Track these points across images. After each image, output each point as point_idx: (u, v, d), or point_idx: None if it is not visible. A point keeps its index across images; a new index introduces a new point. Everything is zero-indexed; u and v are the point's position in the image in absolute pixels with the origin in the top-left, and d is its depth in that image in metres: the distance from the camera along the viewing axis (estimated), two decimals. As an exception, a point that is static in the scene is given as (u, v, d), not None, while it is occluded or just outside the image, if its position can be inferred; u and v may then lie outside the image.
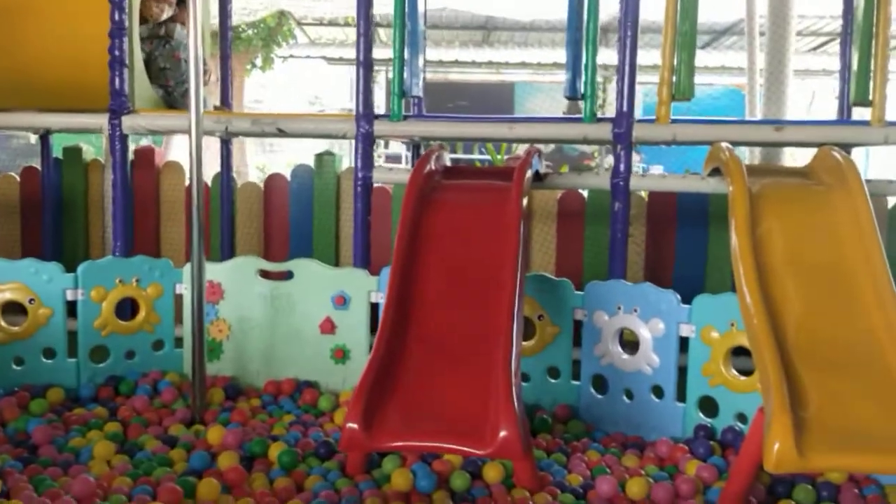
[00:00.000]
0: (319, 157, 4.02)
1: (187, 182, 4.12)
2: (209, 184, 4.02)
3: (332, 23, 11.45)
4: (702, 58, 11.21)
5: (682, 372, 2.52)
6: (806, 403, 1.86)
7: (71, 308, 2.89)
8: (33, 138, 12.84)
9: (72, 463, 2.22)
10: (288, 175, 4.09)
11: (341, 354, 2.93)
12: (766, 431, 1.76)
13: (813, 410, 1.84)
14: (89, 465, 2.19)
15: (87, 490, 1.95)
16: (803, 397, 1.88)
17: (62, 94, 3.58)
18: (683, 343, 2.51)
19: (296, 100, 17.21)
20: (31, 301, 2.84)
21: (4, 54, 3.61)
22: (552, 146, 11.59)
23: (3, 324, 2.83)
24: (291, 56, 12.24)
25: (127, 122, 3.31)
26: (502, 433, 1.87)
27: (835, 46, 11.39)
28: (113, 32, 3.23)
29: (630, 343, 2.64)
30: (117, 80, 3.27)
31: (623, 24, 2.93)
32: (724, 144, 2.64)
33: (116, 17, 3.21)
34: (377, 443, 1.93)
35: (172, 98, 3.88)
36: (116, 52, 3.24)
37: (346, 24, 11.50)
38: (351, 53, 12.17)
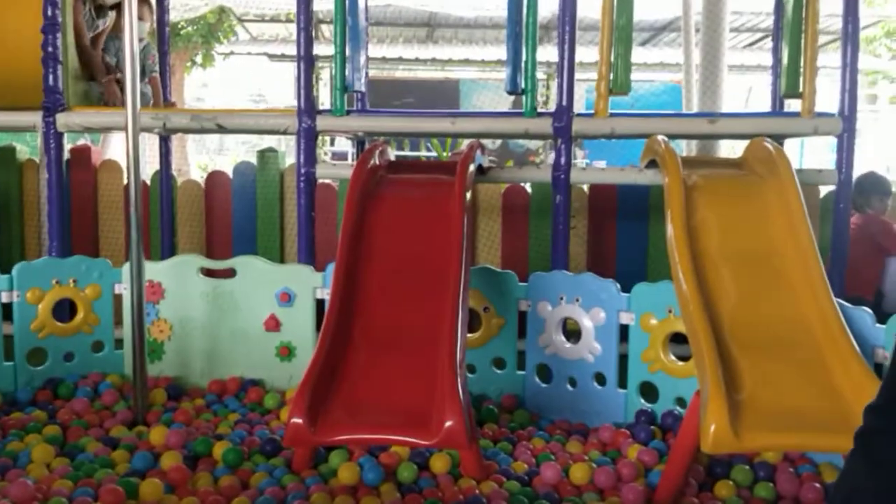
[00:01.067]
0: (262, 154, 3.99)
1: (126, 181, 4.04)
2: (148, 182, 3.95)
3: (275, 19, 11.32)
4: (641, 54, 11.40)
5: (623, 359, 2.58)
6: (741, 386, 1.92)
7: (6, 311, 2.82)
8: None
9: (10, 467, 2.17)
10: (230, 172, 4.04)
11: (287, 352, 2.91)
12: (702, 413, 1.82)
13: (747, 392, 1.90)
14: (28, 469, 2.14)
15: (26, 494, 1.92)
16: (738, 380, 1.94)
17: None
18: (624, 331, 2.57)
19: (239, 97, 17.00)
20: (-36, 304, 2.76)
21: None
22: (499, 143, 11.67)
23: (-66, 328, 2.75)
24: (232, 53, 12.07)
25: (61, 119, 3.24)
26: (448, 423, 1.88)
27: (770, 42, 11.71)
28: (46, 28, 3.16)
29: (573, 333, 2.68)
30: (51, 77, 3.19)
31: (562, 19, 2.98)
32: (659, 137, 2.70)
33: (49, 12, 3.14)
34: (322, 437, 1.93)
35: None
36: (50, 49, 3.16)
37: (289, 21, 11.36)
38: (293, 50, 12.03)
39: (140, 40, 3.87)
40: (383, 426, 1.94)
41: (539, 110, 3.09)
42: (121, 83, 3.77)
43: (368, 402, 2.02)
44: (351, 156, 10.42)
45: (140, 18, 3.81)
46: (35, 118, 3.27)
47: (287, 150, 4.76)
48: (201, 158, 13.88)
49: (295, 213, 3.86)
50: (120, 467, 2.18)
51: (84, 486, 2.00)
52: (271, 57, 12.48)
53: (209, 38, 10.58)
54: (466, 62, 11.91)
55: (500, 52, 11.74)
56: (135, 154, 2.47)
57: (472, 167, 2.66)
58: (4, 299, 2.80)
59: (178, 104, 4.92)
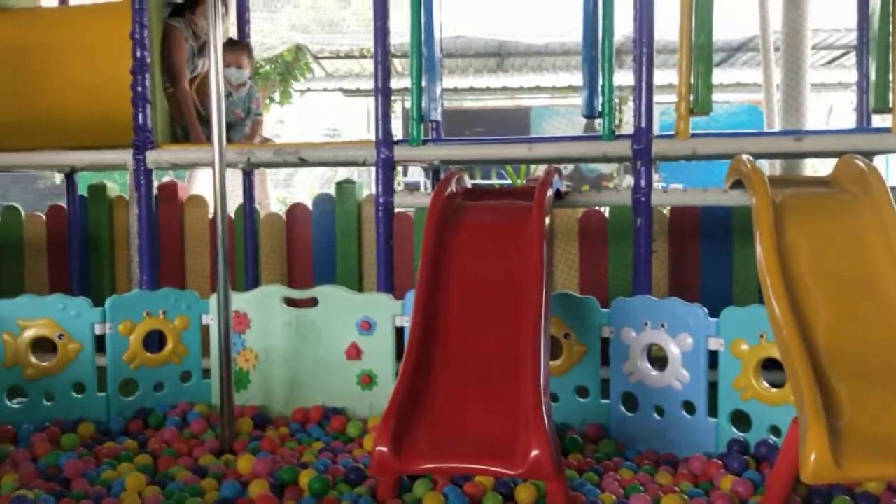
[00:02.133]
0: (340, 186, 4.06)
1: (211, 215, 4.18)
2: (233, 216, 4.06)
3: (349, 55, 11.60)
4: (718, 75, 11.19)
5: (713, 386, 2.50)
6: (840, 413, 1.83)
7: (98, 342, 2.92)
8: (58, 178, 13.00)
9: (104, 496, 2.22)
10: (310, 204, 4.12)
11: (368, 380, 2.92)
12: (801, 442, 1.74)
13: (847, 420, 1.81)
14: (121, 498, 2.19)
15: (121, 521, 1.96)
16: (837, 407, 1.85)
17: (86, 132, 3.65)
18: (712, 357, 2.49)
19: (314, 132, 17.41)
20: (60, 336, 2.87)
21: (29, 96, 3.70)
22: (571, 168, 11.61)
23: (33, 360, 2.86)
24: (309, 90, 12.40)
25: (151, 156, 3.37)
26: (534, 452, 1.85)
27: (851, 59, 11.35)
28: (135, 69, 3.30)
29: (657, 359, 2.61)
30: (140, 116, 3.32)
31: (638, 39, 2.95)
32: (744, 156, 2.63)
33: (138, 54, 3.27)
34: (407, 466, 1.92)
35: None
36: (139, 89, 3.30)
37: (362, 56, 11.64)
38: (367, 84, 12.31)
39: (242, 85, 4.01)
40: (468, 455, 1.92)
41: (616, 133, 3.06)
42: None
43: (452, 431, 2.01)
44: (423, 185, 10.54)
45: (239, 66, 3.95)
46: (125, 156, 3.41)
47: (362, 181, 4.85)
48: (278, 192, 14.23)
49: (372, 242, 3.90)
50: (209, 496, 2.21)
51: (175, 514, 2.04)
52: (345, 92, 12.77)
53: (286, 75, 10.89)
54: (537, 89, 11.93)
55: (571, 77, 11.73)
56: (221, 189, 2.53)
57: (549, 192, 2.64)
58: (98, 331, 2.90)
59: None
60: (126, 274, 4.24)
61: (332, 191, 4.05)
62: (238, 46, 3.93)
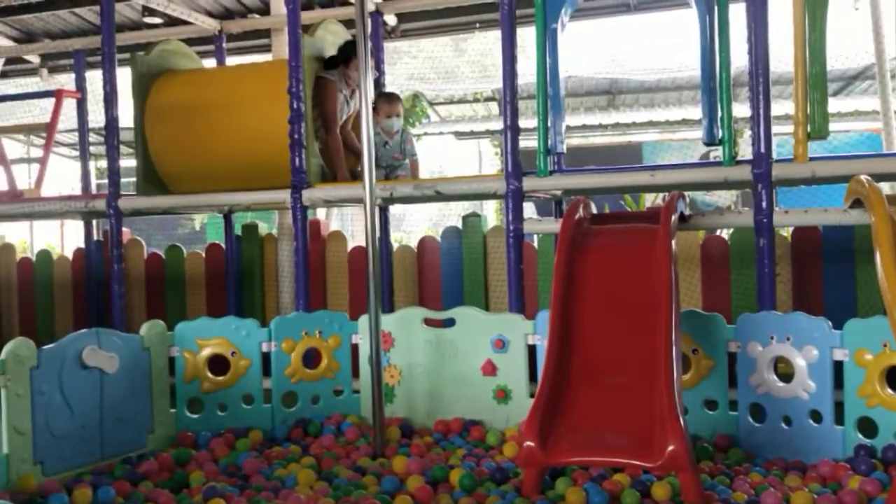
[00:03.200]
0: (466, 219, 4.35)
1: (349, 247, 4.56)
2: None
3: (462, 100, 12.07)
4: (835, 104, 10.98)
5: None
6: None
7: (265, 360, 3.27)
8: (197, 225, 13.86)
9: (280, 489, 2.53)
10: (437, 233, 4.44)
11: (503, 395, 3.14)
12: (927, 435, 1.85)
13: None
14: (295, 490, 2.49)
15: (301, 506, 2.25)
16: (964, 406, 1.95)
17: (244, 177, 4.10)
18: (837, 368, 2.59)
19: (425, 173, 17.89)
20: (232, 354, 3.24)
21: (195, 147, 4.19)
22: (687, 202, 11.56)
23: (209, 375, 3.24)
24: (426, 133, 12.92)
25: (306, 195, 3.76)
26: (670, 447, 2.03)
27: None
28: (292, 119, 3.71)
29: (781, 376, 2.73)
30: (297, 160, 3.73)
31: (754, 67, 3.11)
32: (863, 176, 2.74)
33: (295, 105, 3.68)
34: (553, 458, 2.13)
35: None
36: (296, 136, 3.71)
37: (475, 100, 12.10)
38: (479, 127, 12.77)
39: (397, 131, 4.34)
40: (609, 450, 2.12)
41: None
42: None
43: (593, 429, 2.21)
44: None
45: (397, 115, 4.30)
46: (283, 195, 3.81)
47: (486, 214, 5.14)
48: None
49: (497, 271, 4.18)
50: (371, 489, 2.48)
51: (345, 502, 2.32)
52: (458, 135, 13.20)
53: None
54: (650, 124, 12.00)
55: (684, 112, 11.74)
56: (372, 223, 2.81)
57: (674, 214, 2.82)
58: (264, 349, 3.26)
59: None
60: (275, 304, 4.66)
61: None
62: (393, 98, 4.30)
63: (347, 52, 4.09)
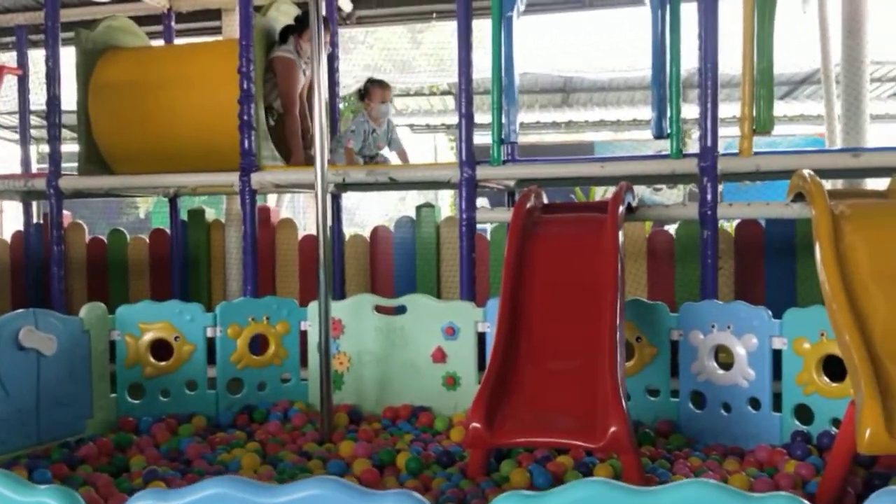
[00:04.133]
0: (419, 209, 4.35)
1: (300, 236, 4.51)
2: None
3: (418, 93, 12.04)
4: (781, 108, 11.26)
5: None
6: (894, 394, 2.00)
7: (210, 346, 3.22)
8: (142, 213, 13.55)
9: (223, 472, 2.50)
10: (391, 227, 4.43)
11: (452, 381, 3.15)
12: (857, 417, 1.91)
13: (902, 400, 1.98)
14: (239, 474, 2.46)
15: (246, 486, 2.22)
16: (892, 390, 2.01)
17: (192, 158, 4.03)
18: (776, 356, 2.66)
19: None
20: (176, 338, 3.19)
21: (141, 126, 4.10)
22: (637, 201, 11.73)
23: (152, 360, 3.18)
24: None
25: (255, 178, 3.71)
26: (612, 428, 2.07)
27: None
28: (242, 99, 3.66)
29: (722, 364, 2.79)
30: (246, 142, 3.68)
31: (703, 63, 3.18)
32: (805, 171, 2.81)
33: (245, 86, 3.64)
34: (499, 439, 2.15)
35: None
36: (245, 117, 3.66)
37: (431, 94, 12.08)
38: (435, 120, 12.76)
39: (385, 120, 4.30)
40: (553, 431, 2.14)
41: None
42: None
43: (538, 411, 2.24)
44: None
45: (387, 101, 4.26)
46: (232, 178, 3.76)
47: (440, 205, 5.15)
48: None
49: (450, 262, 4.18)
50: (316, 472, 2.47)
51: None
52: (413, 128, 13.18)
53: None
54: (602, 123, 12.16)
55: (636, 112, 11.94)
56: (323, 208, 2.79)
57: (622, 205, 2.86)
58: (209, 334, 3.21)
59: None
60: (221, 291, 4.60)
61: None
62: (385, 84, 4.27)
63: (303, 21, 4.05)
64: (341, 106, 11.20)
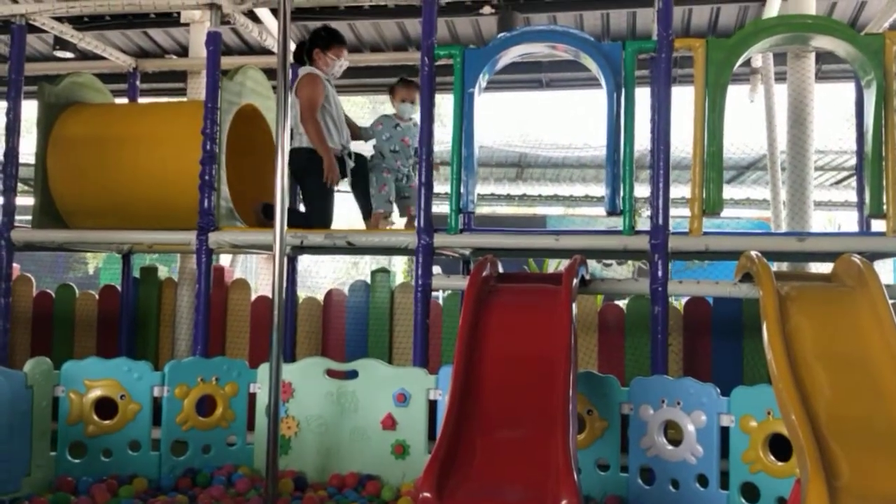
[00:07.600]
0: (374, 274, 4.36)
1: (252, 297, 4.47)
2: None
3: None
4: (729, 191, 11.64)
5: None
6: (839, 474, 2.05)
7: (156, 405, 3.15)
8: (91, 269, 13.22)
9: (162, 538, 2.43)
10: (346, 291, 4.42)
11: (401, 450, 3.12)
12: (802, 497, 1.95)
13: (846, 480, 2.03)
14: (180, 539, 2.39)
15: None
16: (836, 470, 2.06)
17: (150, 216, 4.00)
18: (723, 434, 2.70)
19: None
20: (122, 397, 3.11)
21: (101, 181, 4.06)
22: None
23: (96, 418, 3.09)
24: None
25: (213, 237, 3.69)
26: (563, 501, 2.05)
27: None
28: (204, 160, 3.66)
29: (671, 441, 2.82)
30: (206, 202, 3.67)
31: (656, 144, 3.30)
32: (752, 252, 2.92)
33: (208, 147, 3.65)
34: (449, 510, 2.12)
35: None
36: (207, 178, 3.66)
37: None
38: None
39: (409, 119, 4.26)
40: (504, 501, 2.13)
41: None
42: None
43: (489, 482, 2.22)
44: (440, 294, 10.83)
45: (410, 101, 4.22)
46: (189, 236, 3.73)
47: (395, 270, 5.15)
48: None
49: (402, 328, 4.18)
50: (260, 541, 2.42)
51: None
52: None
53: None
54: (555, 198, 12.41)
55: (587, 188, 12.25)
56: (281, 270, 2.76)
57: (576, 278, 2.92)
58: (156, 394, 3.14)
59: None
60: (169, 351, 4.51)
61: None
62: (412, 84, 4.25)
63: (334, 36, 4.11)
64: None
